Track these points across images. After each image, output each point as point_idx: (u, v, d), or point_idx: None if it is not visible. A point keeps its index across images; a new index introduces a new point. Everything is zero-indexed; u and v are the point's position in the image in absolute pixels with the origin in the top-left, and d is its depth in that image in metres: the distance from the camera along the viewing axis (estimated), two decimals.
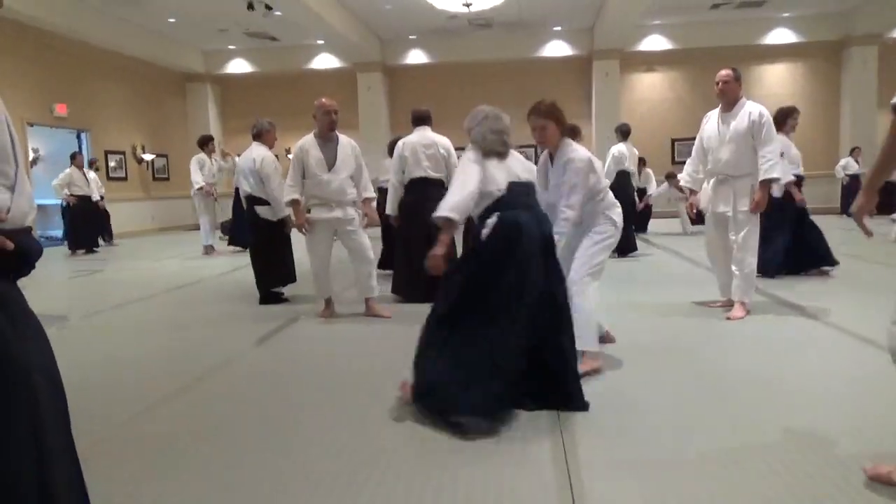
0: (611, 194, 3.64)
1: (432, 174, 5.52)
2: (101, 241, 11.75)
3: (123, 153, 14.65)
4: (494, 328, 2.76)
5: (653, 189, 11.55)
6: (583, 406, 2.86)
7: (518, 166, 3.08)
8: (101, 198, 11.60)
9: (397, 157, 5.61)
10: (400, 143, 5.69)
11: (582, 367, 3.21)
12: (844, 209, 13.59)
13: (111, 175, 14.12)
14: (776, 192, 5.67)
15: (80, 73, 13.18)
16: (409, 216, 5.52)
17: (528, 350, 2.84)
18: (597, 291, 3.49)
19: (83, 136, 13.48)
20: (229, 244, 10.63)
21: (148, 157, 15.31)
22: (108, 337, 4.84)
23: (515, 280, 2.80)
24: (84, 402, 3.19)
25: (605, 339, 3.87)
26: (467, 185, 2.91)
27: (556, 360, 2.91)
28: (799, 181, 6.52)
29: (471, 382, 2.69)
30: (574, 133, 3.96)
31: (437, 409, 2.76)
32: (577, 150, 3.42)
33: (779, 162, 4.48)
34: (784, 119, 6.17)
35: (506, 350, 2.75)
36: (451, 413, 2.68)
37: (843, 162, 14.17)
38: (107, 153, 14.04)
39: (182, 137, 16.75)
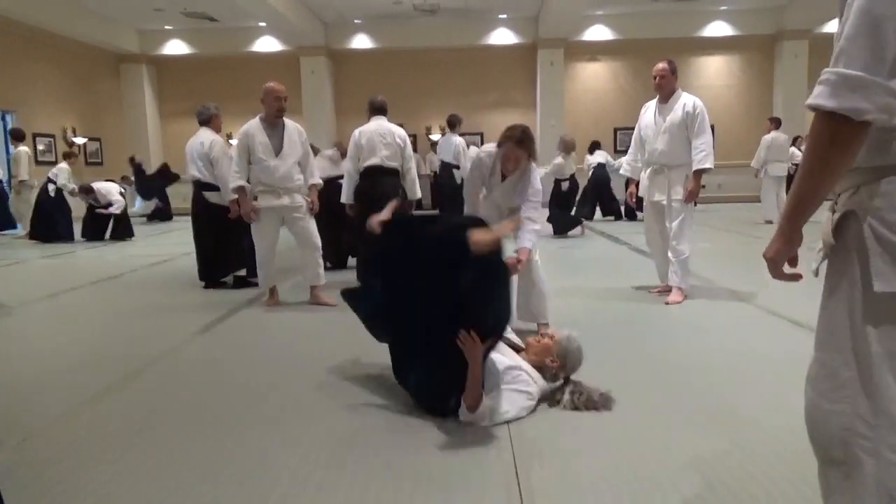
0: None
1: (388, 163, 5.56)
2: None
3: (53, 136, 13.98)
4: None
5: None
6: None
7: None
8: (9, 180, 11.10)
9: (353, 145, 5.63)
10: (356, 131, 5.71)
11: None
12: None
13: (39, 159, 13.40)
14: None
15: (5, 51, 12.48)
16: (362, 200, 5.52)
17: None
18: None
19: (8, 117, 12.80)
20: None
21: (80, 140, 14.66)
22: (42, 328, 4.65)
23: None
24: (15, 396, 3.07)
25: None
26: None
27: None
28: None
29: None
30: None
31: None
32: (537, 173, 3.75)
33: (711, 153, 4.65)
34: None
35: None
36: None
37: None
38: (35, 136, 13.38)
39: (116, 121, 16.10)
